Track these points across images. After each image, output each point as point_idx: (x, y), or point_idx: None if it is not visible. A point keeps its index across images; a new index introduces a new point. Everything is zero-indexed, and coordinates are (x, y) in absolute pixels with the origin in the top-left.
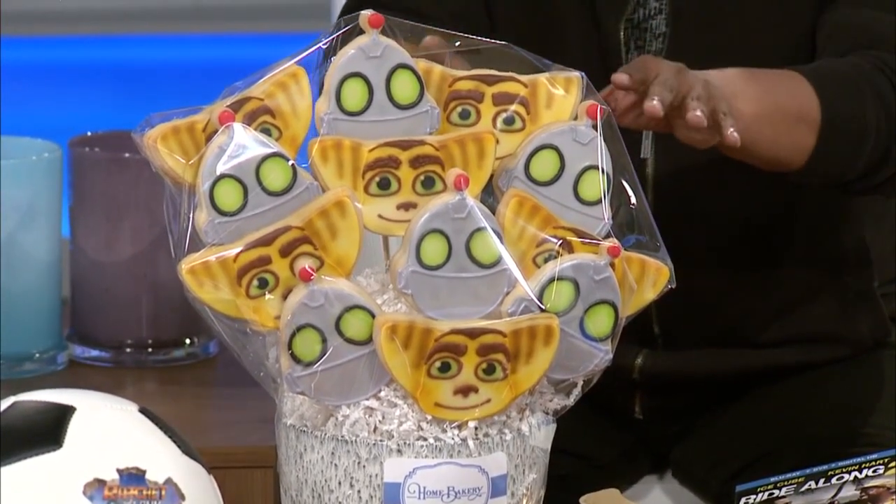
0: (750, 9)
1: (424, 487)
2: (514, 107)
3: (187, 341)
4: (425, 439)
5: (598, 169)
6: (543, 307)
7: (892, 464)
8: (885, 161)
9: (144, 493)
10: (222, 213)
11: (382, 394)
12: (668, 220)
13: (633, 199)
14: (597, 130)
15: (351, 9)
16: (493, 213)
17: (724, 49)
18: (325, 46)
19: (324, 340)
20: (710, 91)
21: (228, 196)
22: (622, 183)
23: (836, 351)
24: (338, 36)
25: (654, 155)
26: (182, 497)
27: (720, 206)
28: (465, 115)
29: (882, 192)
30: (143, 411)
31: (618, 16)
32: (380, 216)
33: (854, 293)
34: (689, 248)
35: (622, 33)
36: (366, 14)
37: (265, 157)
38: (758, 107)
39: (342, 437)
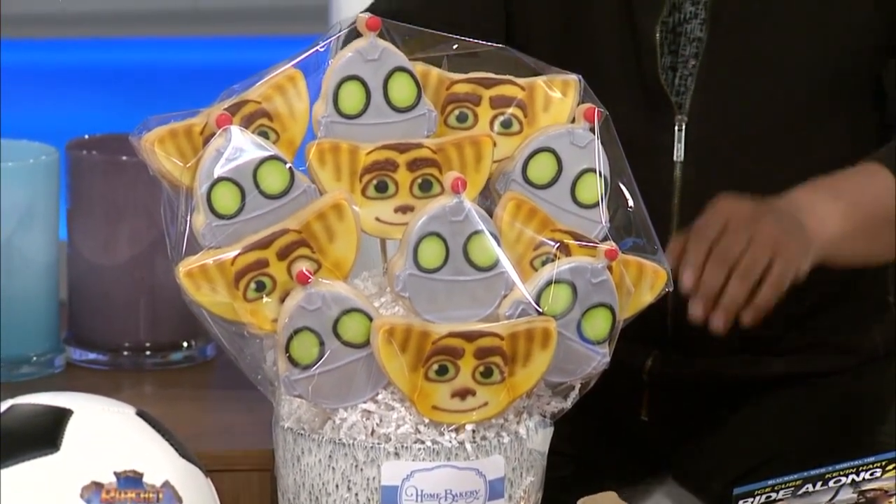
0: (792, 18)
1: (422, 490)
2: (511, 110)
3: (185, 344)
4: (423, 442)
5: (595, 172)
6: (541, 310)
7: (890, 466)
8: None
9: (142, 495)
10: (220, 216)
11: (380, 397)
12: (690, 223)
13: (631, 202)
14: (594, 133)
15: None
16: (491, 216)
17: (761, 58)
18: (322, 49)
19: (321, 343)
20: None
21: (226, 199)
22: (619, 186)
23: (847, 360)
24: (335, 39)
25: (685, 158)
26: (179, 500)
27: None
28: (462, 118)
29: None
30: (140, 414)
31: (654, 18)
32: (377, 219)
33: (869, 304)
34: None
35: (658, 35)
36: (363, 17)
37: (262, 160)
38: (846, 224)
39: (340, 440)
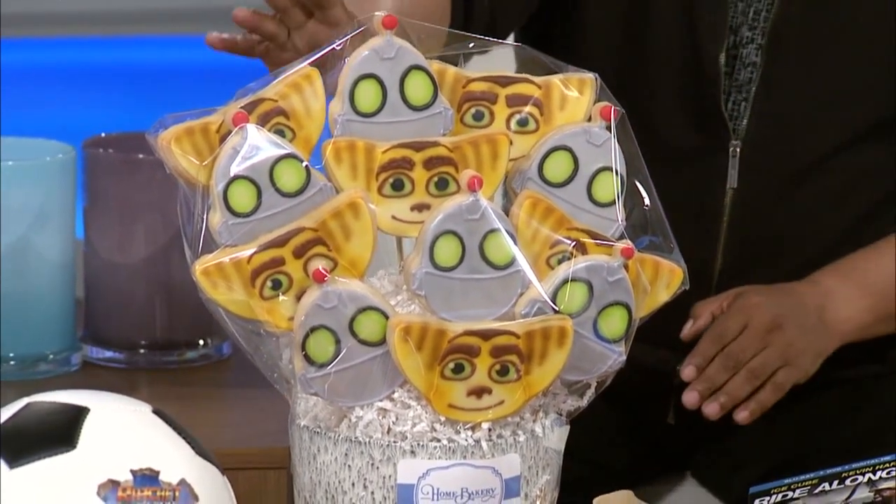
0: (853, 43)
1: (438, 489)
2: (527, 108)
3: (201, 342)
4: (439, 441)
5: (611, 170)
6: (557, 308)
7: None
8: None
9: (158, 493)
10: (236, 215)
11: (396, 395)
12: (736, 246)
13: (647, 201)
14: (610, 132)
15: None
16: (507, 214)
17: (821, 84)
18: (338, 48)
19: (337, 342)
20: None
21: (242, 197)
22: (636, 184)
23: (874, 367)
24: (351, 37)
25: (738, 183)
26: (196, 498)
27: (789, 236)
28: (478, 116)
29: None
30: (156, 412)
31: (719, 45)
32: (393, 217)
33: None
34: (749, 272)
35: (723, 62)
36: (379, 15)
37: (279, 159)
38: (870, 317)
39: (356, 438)
